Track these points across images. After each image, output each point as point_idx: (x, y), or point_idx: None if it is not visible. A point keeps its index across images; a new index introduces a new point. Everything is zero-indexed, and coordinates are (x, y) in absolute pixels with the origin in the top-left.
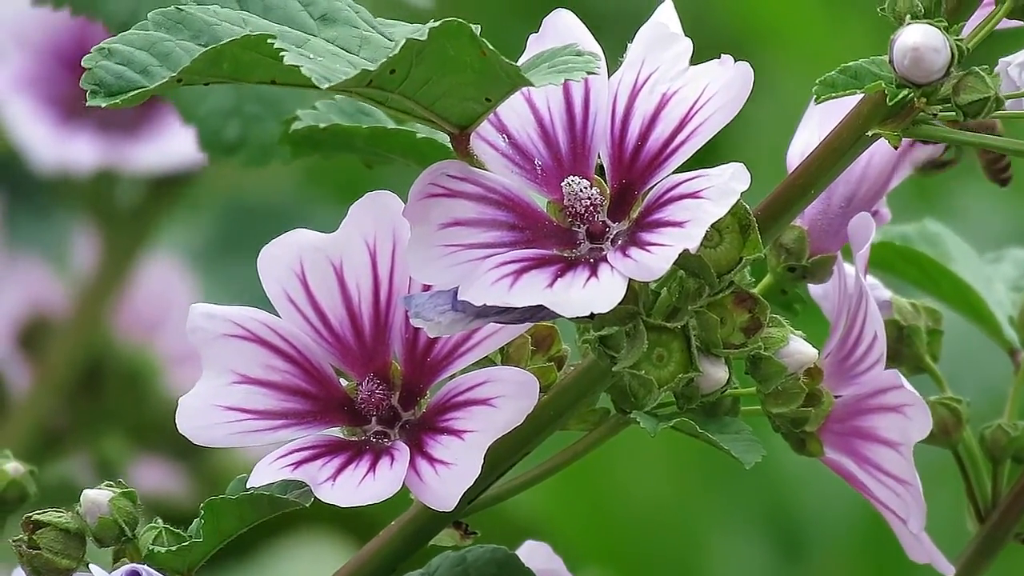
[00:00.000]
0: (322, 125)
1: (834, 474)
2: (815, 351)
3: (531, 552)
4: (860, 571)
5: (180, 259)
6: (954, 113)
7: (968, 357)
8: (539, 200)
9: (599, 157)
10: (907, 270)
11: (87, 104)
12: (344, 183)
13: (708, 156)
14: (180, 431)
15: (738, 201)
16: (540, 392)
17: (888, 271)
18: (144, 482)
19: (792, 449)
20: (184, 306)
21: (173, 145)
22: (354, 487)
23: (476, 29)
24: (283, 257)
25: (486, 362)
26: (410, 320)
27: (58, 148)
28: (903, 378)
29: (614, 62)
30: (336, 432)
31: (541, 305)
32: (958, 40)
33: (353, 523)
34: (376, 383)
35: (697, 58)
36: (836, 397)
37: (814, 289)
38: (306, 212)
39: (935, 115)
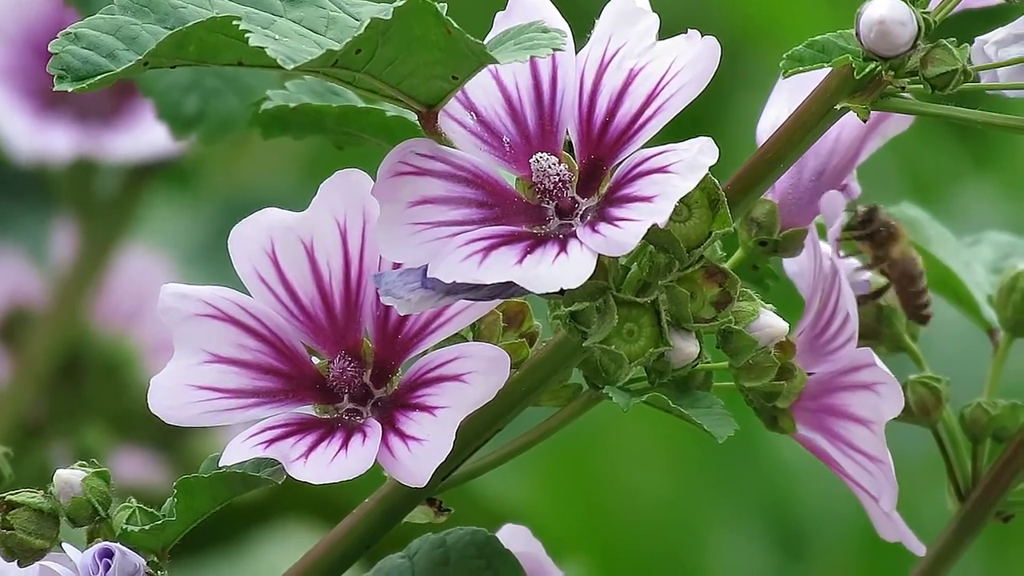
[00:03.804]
0: (292, 105)
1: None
2: (786, 324)
3: (511, 535)
4: (860, 570)
5: (178, 254)
6: (922, 86)
7: (949, 339)
8: (508, 177)
9: (567, 133)
10: None
11: (54, 89)
12: None
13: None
14: (152, 410)
15: (707, 175)
16: (512, 368)
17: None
18: (124, 472)
19: (765, 426)
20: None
21: (151, 135)
22: (326, 464)
23: (442, 8)
24: (254, 236)
25: (457, 339)
26: (380, 298)
27: (36, 139)
28: (876, 356)
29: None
30: (308, 410)
31: (511, 281)
32: (925, 13)
33: (335, 512)
34: (348, 361)
35: None
36: (809, 374)
37: (789, 266)
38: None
39: (903, 88)
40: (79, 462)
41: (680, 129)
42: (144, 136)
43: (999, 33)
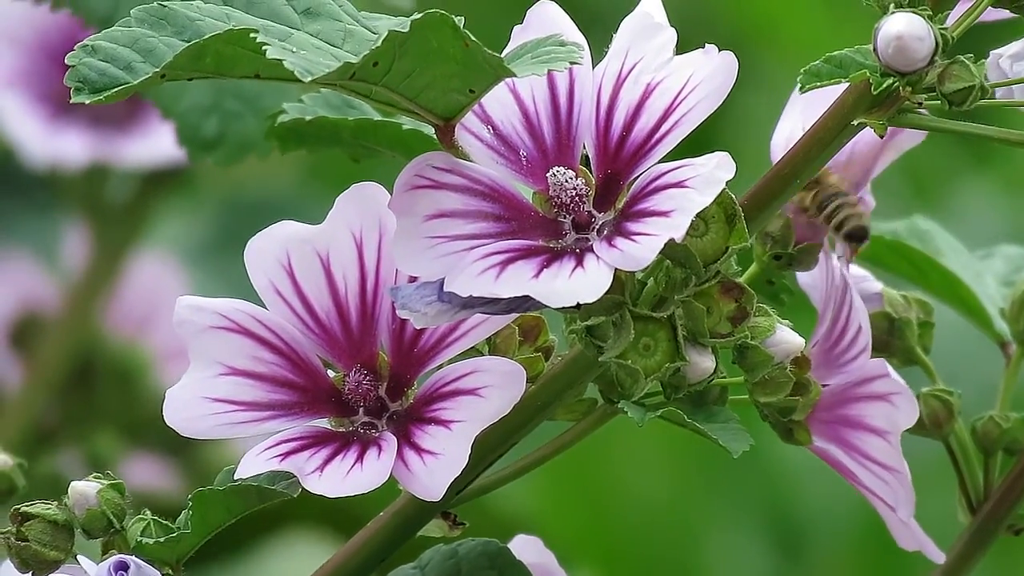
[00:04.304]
0: (308, 118)
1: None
2: (802, 340)
3: (523, 546)
4: (860, 571)
5: (179, 255)
6: (939, 102)
7: (960, 351)
8: (525, 191)
9: (584, 147)
10: (898, 264)
11: (71, 101)
12: (344, 180)
13: (706, 152)
14: (167, 423)
15: (724, 190)
16: (527, 382)
17: (879, 265)
18: (135, 478)
19: (780, 438)
20: (175, 302)
21: (164, 141)
22: (342, 478)
23: (459, 21)
24: (270, 249)
25: (473, 352)
26: (396, 311)
27: (49, 144)
28: (889, 367)
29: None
30: (324, 423)
31: (527, 296)
32: (942, 29)
33: (344, 521)
34: (363, 374)
35: None
36: (824, 386)
37: (802, 278)
38: (306, 209)
39: (920, 104)
40: (94, 474)
41: None
42: (157, 142)
43: (1015, 47)
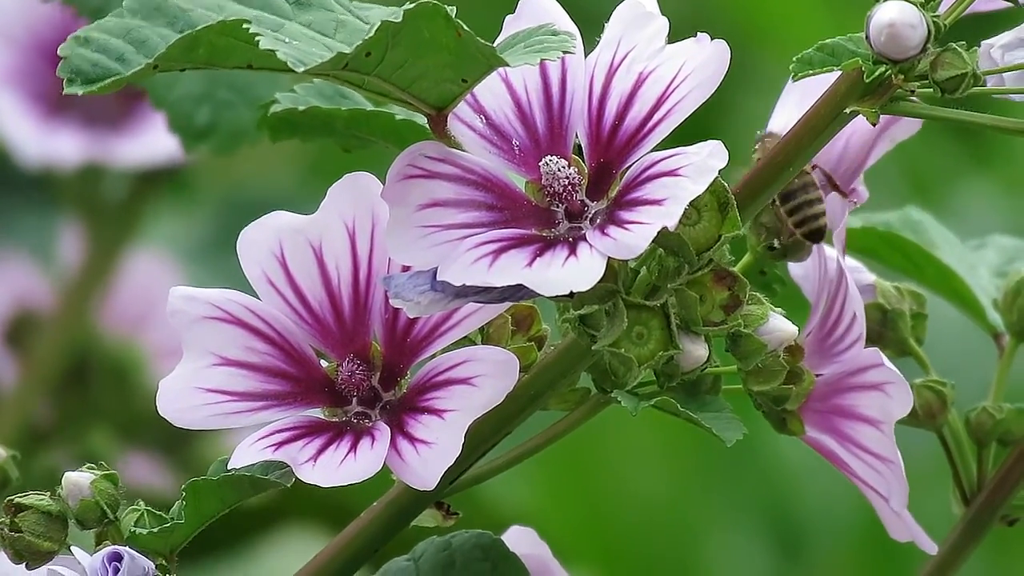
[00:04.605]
0: (301, 108)
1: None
2: (795, 328)
3: (517, 537)
4: (860, 571)
5: (178, 254)
6: (932, 89)
7: (958, 346)
8: (517, 180)
9: (577, 137)
10: (891, 256)
11: (64, 92)
12: None
13: None
14: (160, 413)
15: (716, 179)
16: (520, 372)
17: (872, 257)
18: (131, 476)
19: (773, 428)
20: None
21: (158, 140)
22: (335, 467)
23: (451, 11)
24: (263, 239)
25: (466, 342)
26: (389, 301)
27: (43, 143)
28: (884, 356)
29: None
30: (317, 413)
31: (520, 284)
32: (935, 17)
33: (339, 517)
34: (356, 364)
35: None
36: (817, 376)
37: (794, 269)
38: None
39: (913, 91)
40: (87, 464)
41: (679, 129)
42: (151, 141)
43: (1005, 37)
